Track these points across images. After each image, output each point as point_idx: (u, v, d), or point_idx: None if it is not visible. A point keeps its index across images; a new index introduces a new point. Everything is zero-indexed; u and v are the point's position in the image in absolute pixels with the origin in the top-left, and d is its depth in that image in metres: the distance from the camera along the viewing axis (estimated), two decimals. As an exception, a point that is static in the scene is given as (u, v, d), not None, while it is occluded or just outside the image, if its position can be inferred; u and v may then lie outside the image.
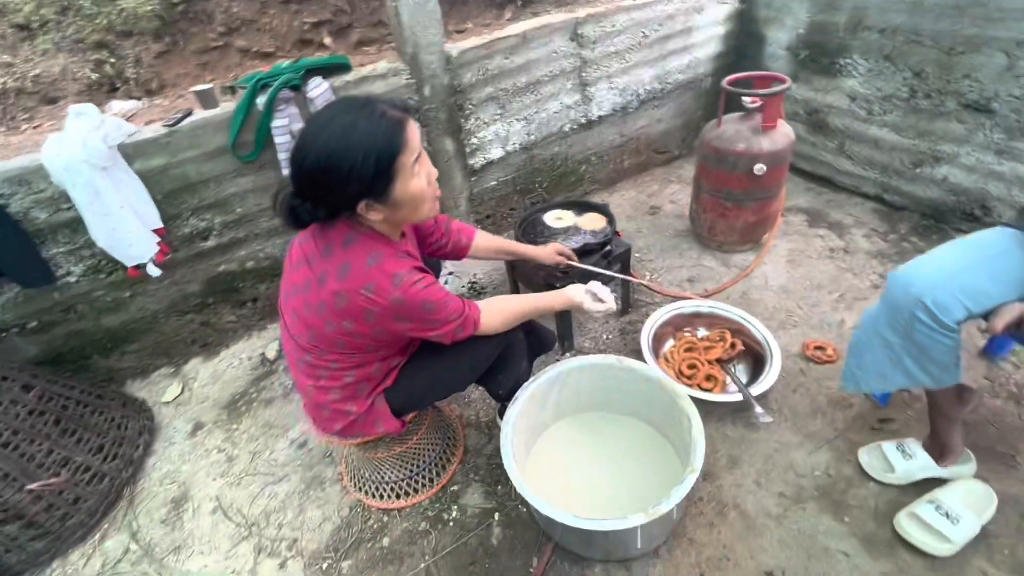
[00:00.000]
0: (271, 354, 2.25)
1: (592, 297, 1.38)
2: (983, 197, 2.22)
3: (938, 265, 1.14)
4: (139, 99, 2.38)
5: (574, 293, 1.37)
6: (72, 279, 1.96)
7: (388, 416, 1.27)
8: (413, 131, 0.99)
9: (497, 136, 2.52)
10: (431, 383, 1.27)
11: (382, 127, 0.95)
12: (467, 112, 2.38)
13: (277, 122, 1.92)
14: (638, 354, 1.87)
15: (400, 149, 0.97)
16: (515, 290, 2.22)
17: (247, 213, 2.13)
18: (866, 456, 1.50)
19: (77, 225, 1.85)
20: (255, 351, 2.29)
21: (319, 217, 1.00)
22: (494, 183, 2.67)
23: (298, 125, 1.97)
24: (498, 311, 1.24)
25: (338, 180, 0.94)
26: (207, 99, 1.94)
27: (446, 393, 1.35)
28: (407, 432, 1.48)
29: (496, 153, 2.57)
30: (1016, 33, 1.94)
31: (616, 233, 2.00)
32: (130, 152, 1.84)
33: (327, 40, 2.63)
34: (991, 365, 1.60)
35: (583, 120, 2.76)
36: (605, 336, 2.08)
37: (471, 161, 2.52)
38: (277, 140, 1.94)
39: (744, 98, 2.13)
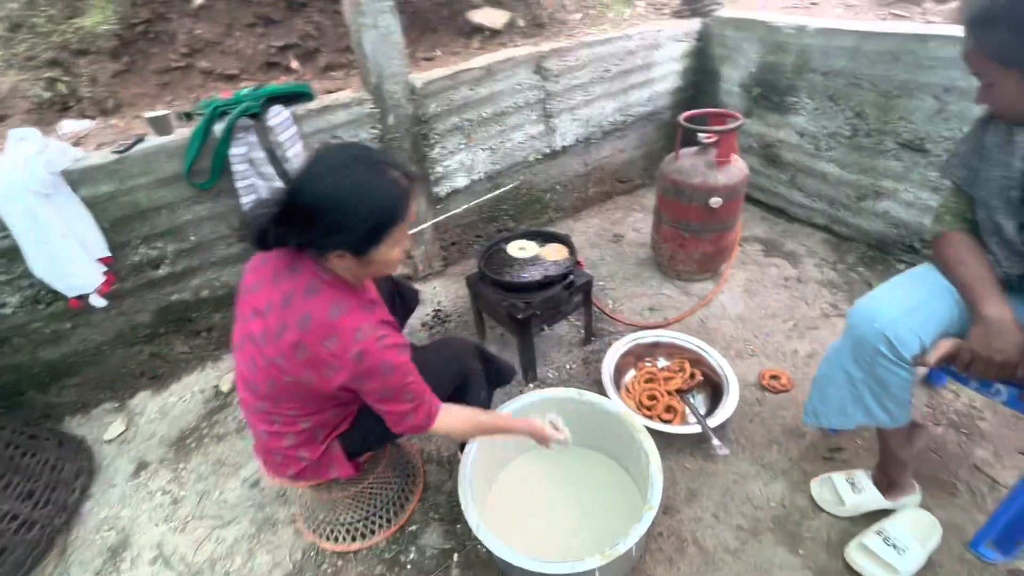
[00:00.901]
0: (225, 386, 2.16)
1: (551, 427, 1.39)
2: (920, 231, 2.34)
3: (899, 299, 1.17)
4: (93, 118, 2.29)
5: (536, 422, 1.37)
6: (7, 310, 1.85)
7: (342, 461, 1.23)
8: (415, 203, 1.01)
9: (462, 165, 2.53)
10: (381, 424, 1.23)
11: (392, 193, 0.95)
12: (432, 141, 2.38)
13: (235, 150, 1.88)
14: (600, 385, 1.87)
15: (400, 219, 0.97)
16: (479, 319, 2.20)
17: (202, 241, 2.06)
18: (818, 488, 1.52)
19: (14, 254, 1.74)
20: (208, 383, 2.20)
21: (286, 244, 0.98)
22: (460, 210, 2.64)
23: (257, 154, 1.93)
24: (459, 418, 1.20)
25: (329, 225, 0.93)
26: (161, 126, 1.88)
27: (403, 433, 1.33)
28: (363, 472, 1.43)
29: (461, 181, 2.57)
30: (944, 80, 2.07)
31: (578, 263, 2.01)
32: (76, 178, 1.76)
33: (294, 64, 2.61)
34: (932, 393, 1.66)
35: (547, 150, 2.80)
36: (568, 366, 2.08)
37: (435, 189, 2.52)
38: (234, 168, 1.90)
39: (700, 134, 2.20)
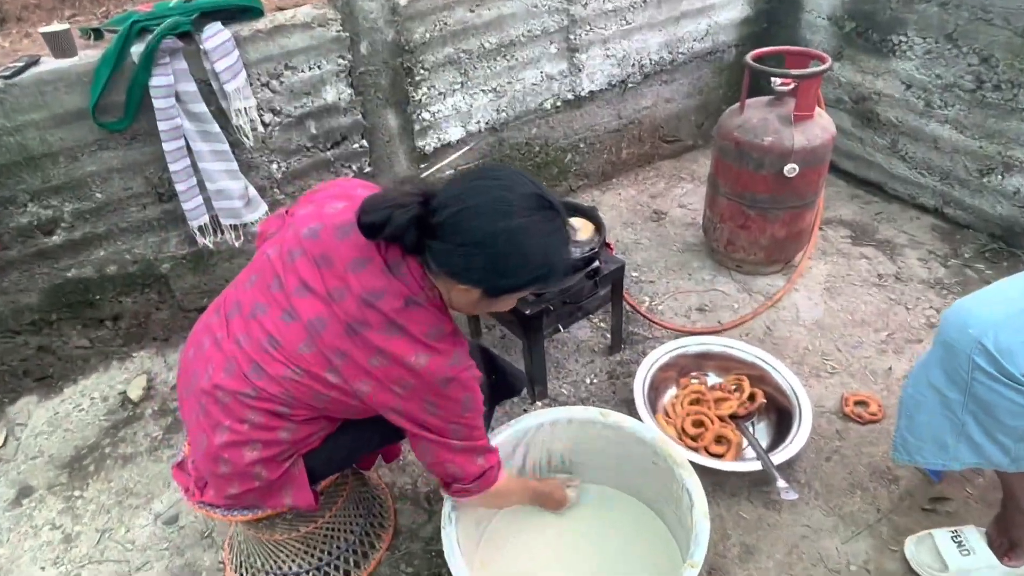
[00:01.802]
0: (135, 393, 2.18)
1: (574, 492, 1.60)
2: (1064, 217, 2.35)
3: (1002, 299, 1.17)
4: (-33, 37, 2.30)
5: (560, 487, 1.60)
6: None
7: (303, 485, 1.25)
8: None
9: (456, 111, 2.53)
10: (361, 434, 1.28)
11: (564, 262, 1.10)
12: (417, 78, 2.39)
13: (157, 80, 1.89)
14: (630, 406, 1.88)
15: (558, 278, 1.11)
16: (475, 326, 2.22)
17: (111, 200, 2.08)
18: (914, 548, 1.54)
19: None
20: (113, 388, 2.22)
21: (407, 247, 1.07)
22: (451, 171, 2.67)
23: (187, 86, 1.94)
24: (505, 491, 1.36)
25: (487, 262, 1.04)
26: (61, 44, 1.89)
27: (380, 444, 1.36)
28: (319, 506, 1.44)
29: (454, 133, 2.58)
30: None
31: (606, 246, 2.02)
32: (-53, 111, 1.78)
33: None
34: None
35: (570, 95, 2.81)
36: (589, 380, 2.09)
37: (420, 143, 2.53)
38: (156, 104, 1.91)
39: (774, 79, 2.21)
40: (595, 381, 2.09)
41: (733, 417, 1.85)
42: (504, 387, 1.56)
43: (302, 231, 1.15)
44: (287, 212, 1.30)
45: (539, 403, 2.02)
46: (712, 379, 2.01)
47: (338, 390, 1.11)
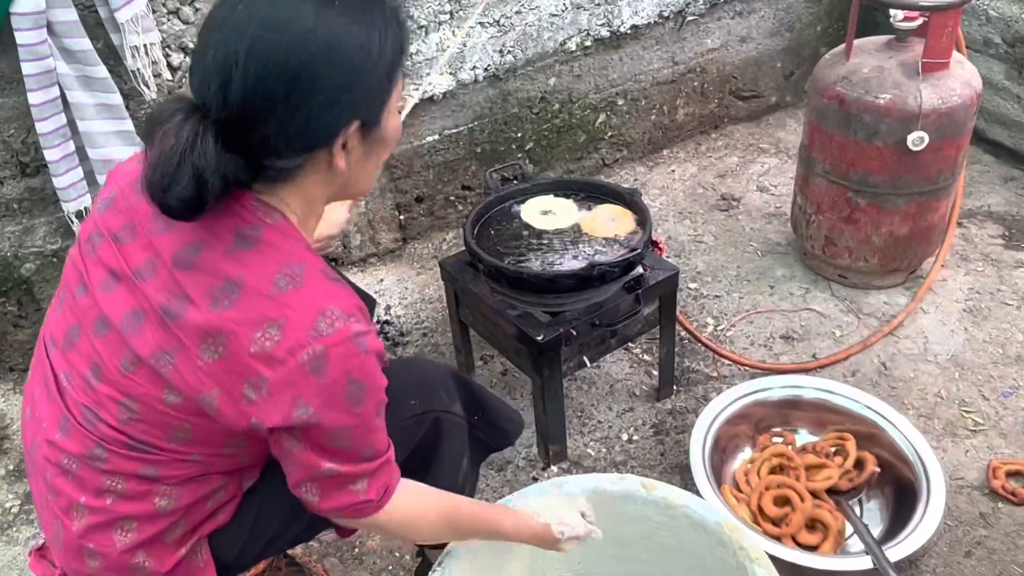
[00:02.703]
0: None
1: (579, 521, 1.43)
2: None
3: None
4: None
5: (552, 523, 1.39)
6: None
7: None
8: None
9: (443, 52, 2.54)
10: (293, 509, 1.25)
11: (393, 9, 1.09)
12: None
13: (23, 5, 1.89)
14: (685, 474, 1.87)
15: (407, 51, 1.13)
16: (462, 342, 2.21)
17: (-47, 172, 2.10)
18: None
19: None
20: (-49, 438, 2.22)
21: (240, 184, 1.04)
22: (434, 138, 2.68)
23: (64, 13, 1.95)
24: (426, 505, 1.25)
25: (344, 77, 1.02)
26: None
27: (321, 527, 1.34)
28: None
29: (442, 83, 2.59)
30: None
31: (654, 245, 2.01)
32: None
33: None
34: None
35: (604, 31, 2.81)
36: (626, 436, 2.09)
37: (392, 96, 2.53)
38: (21, 39, 1.92)
39: (894, 11, 2.20)
40: (635, 438, 2.08)
41: (832, 492, 1.83)
42: (491, 434, 1.56)
43: (97, 207, 1.16)
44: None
45: (555, 467, 2.00)
46: (803, 437, 1.99)
47: (182, 413, 1.07)
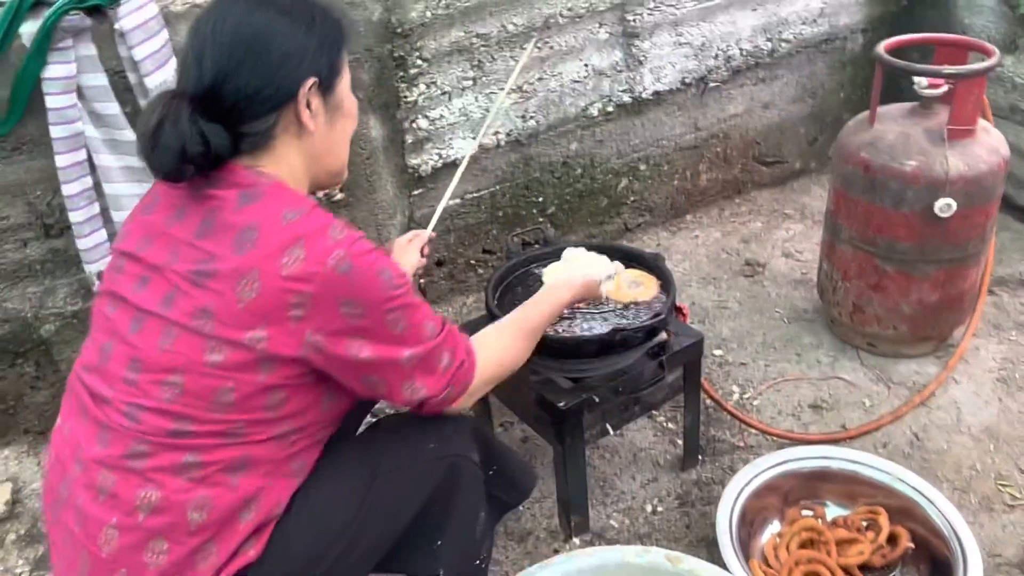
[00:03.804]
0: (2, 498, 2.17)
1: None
2: None
3: None
4: None
5: (587, 276, 1.75)
6: None
7: None
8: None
9: (466, 118, 2.59)
10: (320, 549, 1.30)
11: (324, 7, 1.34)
12: (413, 72, 2.45)
13: (54, 70, 1.95)
14: (712, 547, 1.84)
15: (348, 34, 1.37)
16: (482, 408, 2.20)
17: (-21, 233, 2.14)
18: None
19: None
20: (-36, 501, 2.21)
21: (224, 153, 1.23)
22: (456, 202, 2.71)
23: (95, 78, 2.00)
24: (504, 339, 1.54)
25: (281, 44, 1.25)
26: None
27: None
28: None
29: (462, 148, 2.62)
30: None
31: (677, 311, 2.01)
32: None
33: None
34: None
35: (627, 98, 2.85)
36: (650, 507, 2.06)
37: (414, 160, 2.57)
38: (51, 103, 1.96)
39: (918, 78, 2.22)
40: (660, 509, 2.05)
41: (864, 569, 1.80)
42: (506, 489, 1.57)
43: (114, 246, 1.35)
44: None
45: (576, 539, 1.98)
46: (833, 511, 1.96)
47: (234, 370, 1.16)
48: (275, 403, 1.21)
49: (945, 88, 2.20)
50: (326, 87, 1.31)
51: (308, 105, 1.28)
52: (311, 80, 1.27)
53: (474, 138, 2.62)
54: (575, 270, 1.69)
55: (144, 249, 1.25)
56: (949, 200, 2.15)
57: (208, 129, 1.18)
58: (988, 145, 2.22)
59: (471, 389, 1.39)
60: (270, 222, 1.18)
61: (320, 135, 1.33)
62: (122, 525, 1.16)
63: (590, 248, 2.15)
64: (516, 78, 2.31)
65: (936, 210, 2.17)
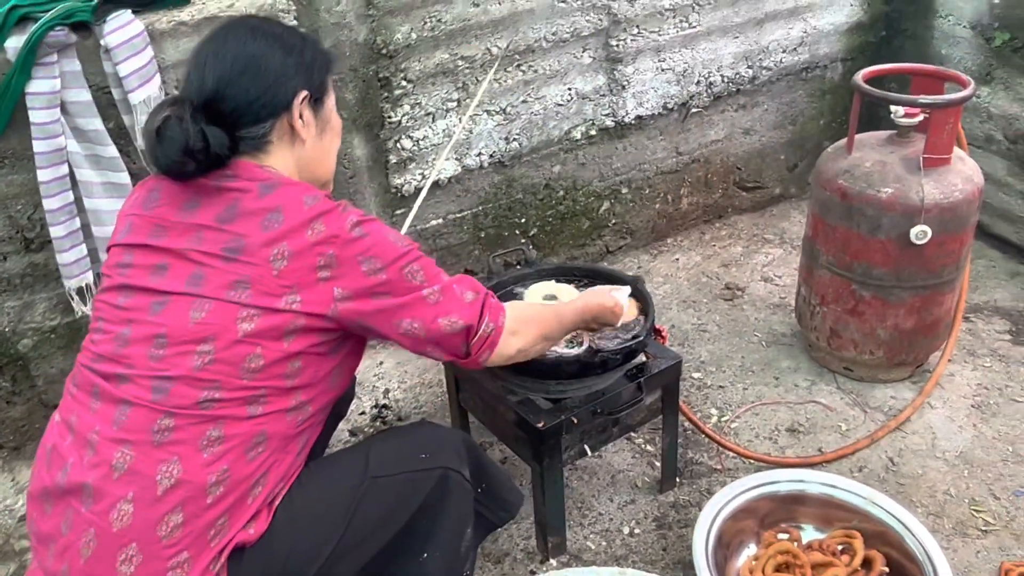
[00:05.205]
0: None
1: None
2: None
3: None
4: None
5: (607, 295, 1.80)
6: None
7: None
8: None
9: (450, 139, 2.60)
10: (314, 545, 1.33)
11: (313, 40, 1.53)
12: (397, 93, 2.47)
13: (38, 85, 1.96)
14: (688, 570, 1.84)
15: (333, 59, 1.55)
16: (462, 419, 2.22)
17: (-42, 246, 2.13)
18: None
19: None
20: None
21: (223, 152, 1.33)
22: (438, 222, 2.73)
23: (78, 93, 2.01)
24: (529, 318, 1.60)
25: (277, 63, 1.39)
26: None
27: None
28: None
29: (447, 168, 2.65)
30: None
31: (657, 333, 2.03)
32: None
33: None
34: None
35: (609, 122, 2.89)
36: (627, 529, 2.07)
37: (397, 180, 2.59)
38: (35, 117, 1.97)
39: (895, 107, 2.27)
40: (637, 531, 2.05)
41: (840, 592, 1.80)
42: (492, 507, 1.59)
43: (116, 240, 1.40)
44: None
45: (553, 561, 1.97)
46: (809, 534, 1.96)
47: (262, 337, 1.26)
48: (293, 371, 1.30)
49: (921, 117, 2.24)
50: (316, 101, 1.45)
51: (300, 116, 1.41)
52: (303, 93, 1.41)
53: (447, 159, 2.65)
54: (613, 294, 1.80)
55: (159, 238, 1.33)
56: (924, 227, 2.19)
57: (209, 130, 1.29)
58: (963, 174, 2.26)
59: (508, 326, 1.48)
60: (293, 204, 1.31)
61: (311, 144, 1.45)
62: (138, 498, 1.19)
63: (572, 269, 2.18)
64: (482, 95, 2.39)
65: (912, 237, 2.20)
